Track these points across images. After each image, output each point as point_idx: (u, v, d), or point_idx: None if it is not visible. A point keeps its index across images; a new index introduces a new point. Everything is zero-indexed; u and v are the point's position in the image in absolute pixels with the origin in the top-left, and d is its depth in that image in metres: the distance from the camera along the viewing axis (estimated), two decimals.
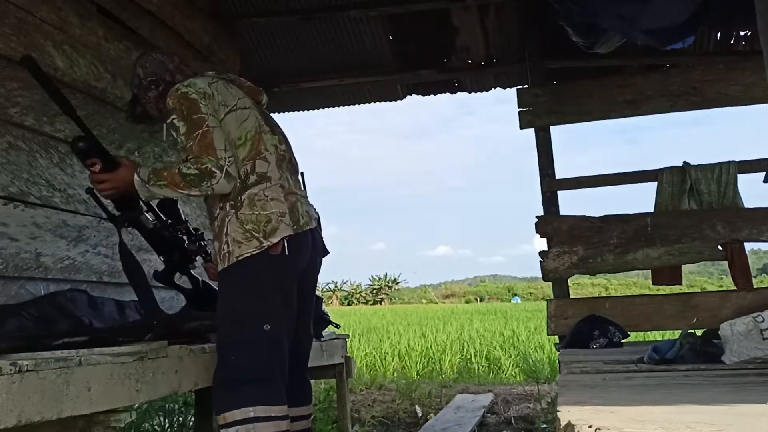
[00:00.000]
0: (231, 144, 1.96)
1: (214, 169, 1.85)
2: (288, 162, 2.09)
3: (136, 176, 1.93)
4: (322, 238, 2.16)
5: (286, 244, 1.91)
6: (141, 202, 2.18)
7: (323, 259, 2.19)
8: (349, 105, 5.08)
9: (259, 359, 1.88)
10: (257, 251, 1.88)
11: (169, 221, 2.29)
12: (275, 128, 2.13)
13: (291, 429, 1.94)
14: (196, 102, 1.94)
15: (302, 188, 2.16)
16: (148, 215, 2.24)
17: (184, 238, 2.30)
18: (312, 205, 2.13)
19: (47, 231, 2.40)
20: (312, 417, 2.18)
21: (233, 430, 1.81)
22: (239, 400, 1.82)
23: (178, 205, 2.33)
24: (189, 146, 1.89)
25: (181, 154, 1.95)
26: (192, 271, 2.39)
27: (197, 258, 2.33)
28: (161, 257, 2.31)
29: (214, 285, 2.29)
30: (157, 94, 2.14)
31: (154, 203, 2.25)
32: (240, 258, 1.89)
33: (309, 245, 2.03)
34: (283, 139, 2.14)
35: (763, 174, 3.42)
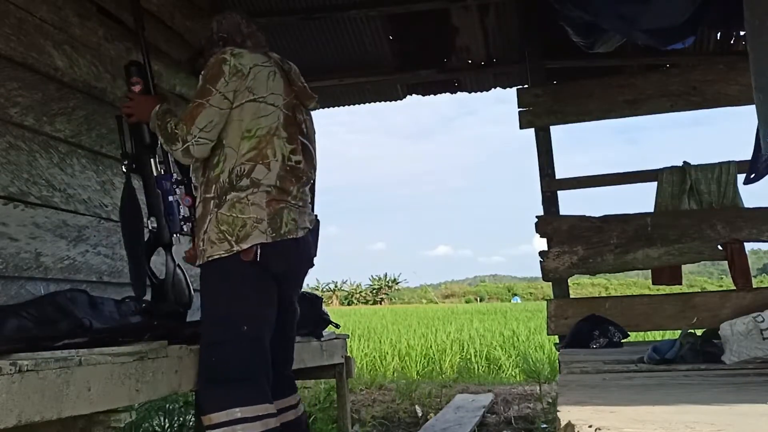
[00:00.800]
0: (238, 132, 1.93)
1: (179, 138, 1.92)
2: (302, 173, 2.03)
3: (157, 107, 2.04)
4: (310, 247, 2.10)
5: (258, 251, 1.87)
6: (159, 148, 2.21)
7: (310, 268, 2.16)
8: (349, 105, 5.08)
9: (241, 359, 1.88)
10: (227, 254, 1.87)
11: (174, 174, 2.22)
12: (295, 137, 2.03)
13: (283, 420, 1.96)
14: (222, 74, 1.93)
15: (304, 198, 2.07)
16: (159, 164, 2.23)
17: (179, 200, 2.21)
18: (310, 214, 2.08)
19: (47, 231, 2.40)
20: (300, 403, 2.19)
21: None
22: (225, 402, 1.82)
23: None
24: (187, 106, 1.98)
25: None
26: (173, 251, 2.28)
27: (185, 225, 2.21)
28: (150, 219, 2.20)
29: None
30: None
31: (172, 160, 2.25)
32: (210, 259, 1.90)
33: (289, 254, 1.96)
34: (302, 150, 2.05)
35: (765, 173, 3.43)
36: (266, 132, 1.95)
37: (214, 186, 1.93)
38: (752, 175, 3.43)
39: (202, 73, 1.99)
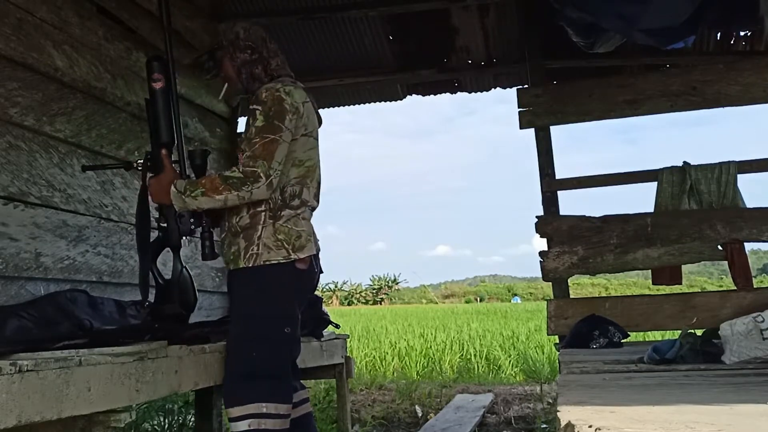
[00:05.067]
0: (290, 160, 2.06)
1: (261, 173, 1.94)
2: (319, 191, 2.23)
3: (172, 187, 2.00)
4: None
5: (313, 261, 2.10)
6: (174, 147, 2.17)
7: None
8: (349, 105, 5.08)
9: (277, 357, 2.04)
10: (284, 260, 2.02)
11: (191, 176, 2.16)
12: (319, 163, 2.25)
13: (300, 412, 2.17)
14: (285, 112, 2.02)
15: None
16: (173, 164, 2.17)
17: None
18: None
19: (47, 231, 2.41)
20: (308, 401, 2.35)
21: (245, 423, 1.92)
22: (255, 395, 1.95)
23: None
24: (254, 141, 1.97)
25: (242, 144, 2.03)
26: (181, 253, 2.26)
27: (197, 228, 2.18)
28: (160, 217, 2.18)
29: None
30: (248, 60, 2.17)
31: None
32: (266, 263, 2.02)
33: (319, 263, 2.20)
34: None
35: (765, 173, 3.42)
36: (312, 164, 2.14)
37: (265, 202, 2.04)
38: None
39: (259, 108, 2.01)
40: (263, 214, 2.04)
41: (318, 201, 2.21)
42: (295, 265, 2.04)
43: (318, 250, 2.16)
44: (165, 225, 2.17)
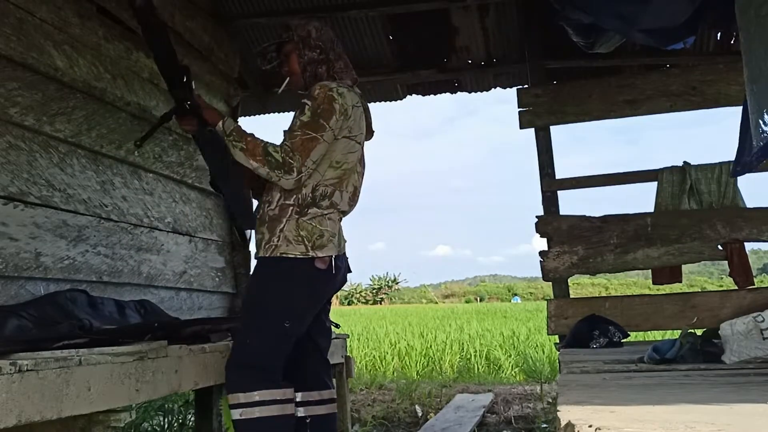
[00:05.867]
0: (328, 161, 2.07)
1: (294, 168, 1.98)
2: (357, 199, 2.24)
3: (221, 123, 2.07)
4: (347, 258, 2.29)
5: (333, 262, 2.06)
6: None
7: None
8: None
9: (272, 350, 2.03)
10: (301, 256, 2.02)
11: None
12: (362, 169, 2.26)
13: (324, 410, 2.19)
14: (333, 112, 2.04)
15: None
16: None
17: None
18: None
19: (47, 231, 2.41)
20: (334, 401, 2.32)
21: (237, 412, 1.95)
22: (245, 384, 1.97)
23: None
24: (295, 134, 2.01)
25: (285, 132, 2.06)
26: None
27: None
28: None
29: None
30: (315, 60, 2.19)
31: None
32: (282, 255, 2.02)
33: (345, 265, 2.19)
34: (362, 180, 2.27)
35: (765, 173, 3.42)
36: (351, 166, 2.15)
37: (294, 196, 2.06)
38: (738, 168, 3.40)
39: (309, 103, 2.04)
40: (291, 208, 2.05)
41: (350, 207, 2.20)
42: (313, 262, 2.03)
43: (343, 251, 2.15)
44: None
